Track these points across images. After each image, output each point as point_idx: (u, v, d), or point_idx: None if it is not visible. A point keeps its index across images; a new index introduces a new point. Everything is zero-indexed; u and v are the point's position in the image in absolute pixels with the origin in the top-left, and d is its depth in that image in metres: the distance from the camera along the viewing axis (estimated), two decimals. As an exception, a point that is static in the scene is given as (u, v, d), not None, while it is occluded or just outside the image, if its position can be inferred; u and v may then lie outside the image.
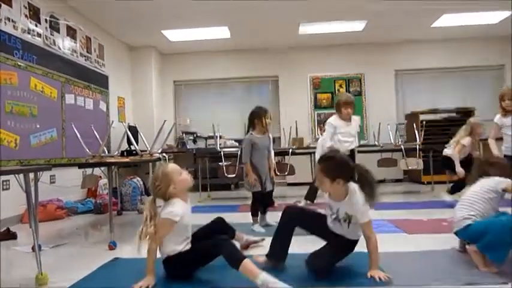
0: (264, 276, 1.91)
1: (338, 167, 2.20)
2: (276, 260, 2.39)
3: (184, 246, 2.29)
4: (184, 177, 2.33)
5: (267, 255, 2.42)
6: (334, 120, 4.35)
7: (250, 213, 3.73)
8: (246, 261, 1.97)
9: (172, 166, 2.34)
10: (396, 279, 2.11)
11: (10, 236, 3.64)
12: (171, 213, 2.20)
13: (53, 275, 2.38)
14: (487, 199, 2.44)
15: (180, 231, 2.26)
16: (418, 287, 2.04)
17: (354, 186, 2.21)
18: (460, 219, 2.44)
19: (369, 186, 2.17)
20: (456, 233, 2.51)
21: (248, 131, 3.77)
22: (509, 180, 2.47)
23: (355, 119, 4.42)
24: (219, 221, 2.64)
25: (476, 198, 2.46)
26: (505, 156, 3.76)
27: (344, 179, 2.19)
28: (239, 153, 5.34)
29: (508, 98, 3.68)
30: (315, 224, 2.42)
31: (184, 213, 2.27)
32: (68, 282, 2.26)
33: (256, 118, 3.69)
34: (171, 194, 2.28)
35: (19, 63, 4.43)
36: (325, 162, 2.26)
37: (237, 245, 2.71)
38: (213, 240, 2.15)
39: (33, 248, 2.70)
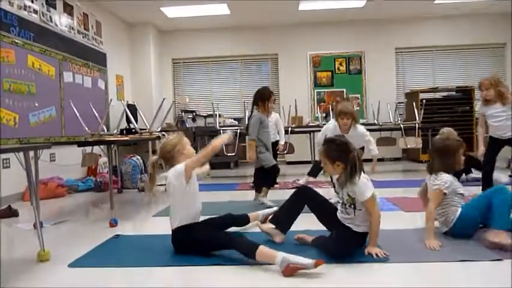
0: (282, 255, 1.93)
1: (337, 150, 2.23)
2: (279, 228, 2.44)
3: (192, 219, 2.33)
4: (191, 149, 2.46)
5: (271, 221, 2.52)
6: (329, 129, 3.77)
7: (249, 190, 3.76)
8: (261, 248, 1.99)
9: (186, 139, 2.47)
10: (393, 256, 2.15)
11: (12, 213, 3.68)
12: (180, 167, 2.27)
13: (55, 252, 2.41)
14: (452, 193, 2.45)
15: (188, 200, 2.30)
16: (414, 264, 2.08)
17: None
18: (446, 218, 2.46)
19: (354, 170, 2.17)
20: (446, 233, 2.49)
21: (252, 109, 3.75)
22: (441, 184, 2.42)
23: (358, 131, 3.71)
24: (229, 215, 2.71)
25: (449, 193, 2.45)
26: (490, 137, 3.76)
27: (344, 162, 2.21)
28: (241, 130, 5.36)
29: (485, 88, 3.65)
30: (323, 210, 2.46)
31: (192, 177, 2.33)
32: (70, 259, 2.29)
33: (260, 100, 3.68)
34: (175, 155, 2.35)
35: (16, 41, 4.38)
36: (326, 145, 2.30)
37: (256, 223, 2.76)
38: (225, 236, 2.20)
39: (34, 225, 2.74)
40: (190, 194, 2.33)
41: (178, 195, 2.31)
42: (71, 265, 2.22)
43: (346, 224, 2.28)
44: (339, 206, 2.36)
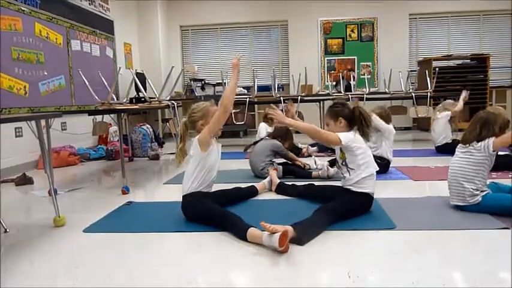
0: (265, 235, 1.91)
1: (340, 109, 2.47)
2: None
3: (203, 187, 2.39)
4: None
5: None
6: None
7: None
8: (250, 230, 2.00)
9: (215, 108, 2.44)
10: (399, 224, 2.18)
11: (26, 180, 3.77)
12: (196, 139, 2.38)
13: (70, 217, 2.48)
14: (486, 167, 2.32)
15: (203, 168, 2.37)
16: (422, 231, 2.10)
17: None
18: (471, 192, 2.32)
19: (365, 123, 2.37)
20: (459, 206, 2.38)
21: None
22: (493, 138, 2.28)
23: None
24: (237, 189, 2.89)
25: (480, 167, 2.31)
26: None
27: (345, 119, 2.41)
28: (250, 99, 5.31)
29: None
30: (318, 191, 2.75)
31: (212, 149, 2.40)
32: (84, 224, 2.37)
33: (287, 142, 3.89)
34: (198, 127, 2.44)
35: (22, 8, 4.33)
36: (330, 107, 2.54)
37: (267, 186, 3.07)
38: (224, 216, 2.21)
39: (49, 192, 2.81)
40: (207, 164, 2.39)
41: (194, 162, 2.38)
42: (86, 230, 2.29)
43: (346, 187, 2.40)
44: (339, 173, 2.52)
